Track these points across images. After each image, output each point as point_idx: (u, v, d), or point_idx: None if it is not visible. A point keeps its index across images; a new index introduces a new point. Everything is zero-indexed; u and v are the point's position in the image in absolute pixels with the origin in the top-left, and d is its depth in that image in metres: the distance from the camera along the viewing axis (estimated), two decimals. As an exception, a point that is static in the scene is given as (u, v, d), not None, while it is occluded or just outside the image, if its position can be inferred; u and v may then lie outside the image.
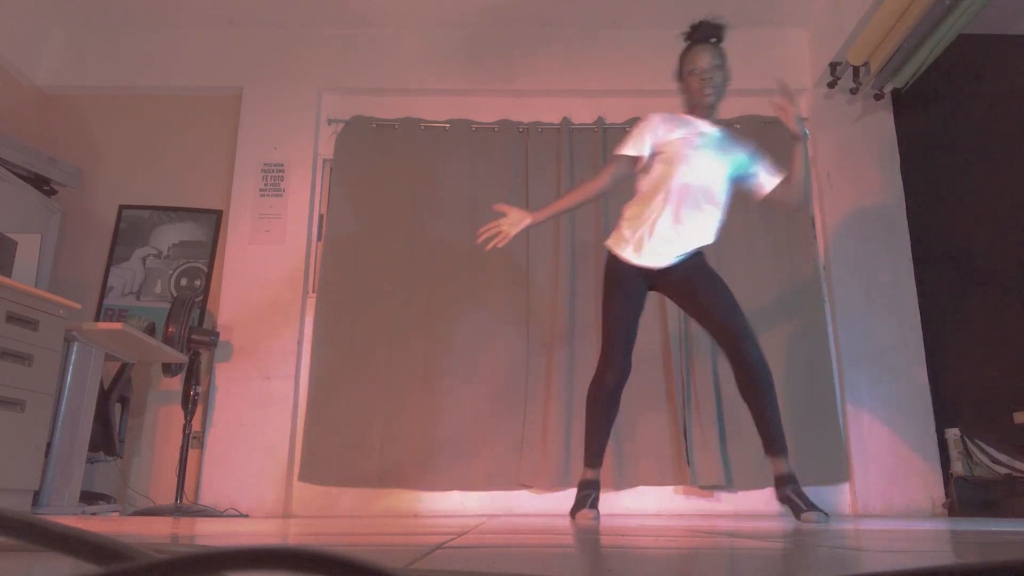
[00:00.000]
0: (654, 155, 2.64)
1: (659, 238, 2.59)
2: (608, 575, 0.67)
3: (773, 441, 2.45)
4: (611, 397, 2.64)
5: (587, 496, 2.60)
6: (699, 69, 2.60)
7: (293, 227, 4.12)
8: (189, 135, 4.36)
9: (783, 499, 2.45)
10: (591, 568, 0.74)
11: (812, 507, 2.36)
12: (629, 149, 2.65)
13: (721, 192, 2.65)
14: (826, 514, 2.34)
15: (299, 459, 3.80)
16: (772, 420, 2.44)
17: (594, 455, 2.65)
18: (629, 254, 2.63)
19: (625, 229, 2.67)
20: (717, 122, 2.71)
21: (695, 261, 2.64)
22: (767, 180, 2.71)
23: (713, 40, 2.65)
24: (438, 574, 0.60)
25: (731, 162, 2.67)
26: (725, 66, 2.66)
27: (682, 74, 2.68)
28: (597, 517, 2.56)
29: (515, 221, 2.67)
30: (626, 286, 2.64)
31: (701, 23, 2.67)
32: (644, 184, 2.69)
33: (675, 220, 2.58)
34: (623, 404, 3.79)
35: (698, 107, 2.66)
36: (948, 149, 4.30)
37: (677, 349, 3.86)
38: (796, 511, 2.39)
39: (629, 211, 2.71)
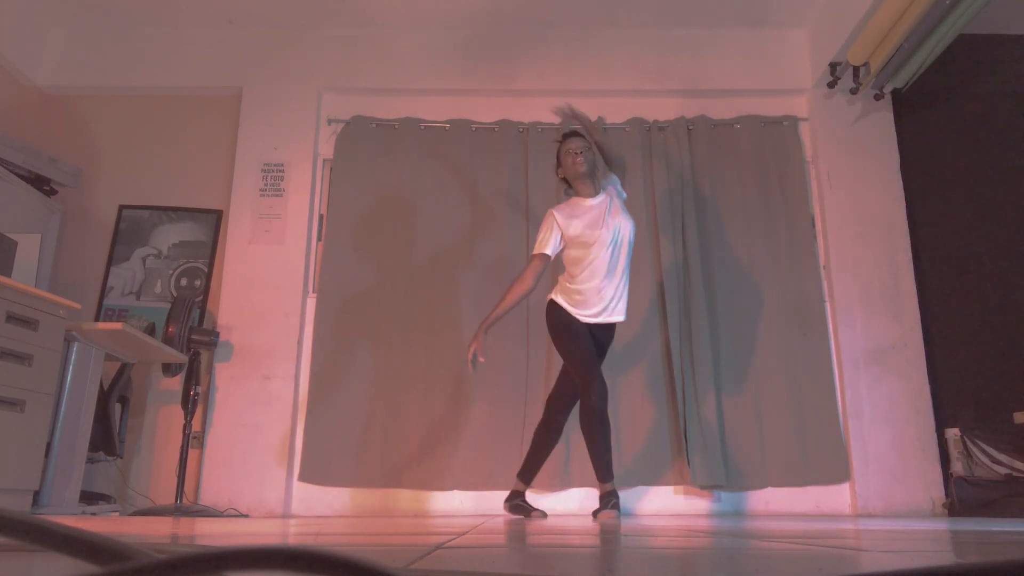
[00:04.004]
0: (566, 244, 3.09)
1: (593, 308, 3.01)
2: (608, 575, 0.67)
3: (601, 471, 2.90)
4: (602, 417, 2.90)
5: (608, 501, 2.88)
6: (568, 149, 3.11)
7: (293, 227, 4.12)
8: (189, 135, 4.36)
9: (600, 509, 2.88)
10: (591, 568, 0.74)
11: (616, 508, 2.84)
12: (546, 248, 3.08)
13: (624, 258, 3.08)
14: (619, 514, 2.83)
15: (299, 459, 3.80)
16: (602, 454, 2.89)
17: (604, 470, 2.91)
18: (576, 313, 3.03)
19: (569, 295, 3.07)
20: (598, 184, 3.16)
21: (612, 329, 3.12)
22: None
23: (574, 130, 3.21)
24: (438, 574, 0.60)
25: (622, 228, 3.08)
26: (591, 148, 3.15)
27: (560, 162, 3.18)
28: (619, 516, 2.84)
29: (477, 344, 3.12)
30: (576, 323, 3.02)
31: (566, 131, 3.27)
32: (569, 261, 3.09)
33: (598, 294, 3.01)
34: (623, 404, 3.79)
35: (578, 182, 3.13)
36: (948, 149, 4.30)
37: (677, 350, 3.86)
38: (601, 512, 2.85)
39: (565, 280, 3.11)
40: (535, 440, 3.11)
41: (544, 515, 3.06)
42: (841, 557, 0.86)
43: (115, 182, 4.27)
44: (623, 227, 3.07)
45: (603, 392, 2.91)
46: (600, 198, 3.12)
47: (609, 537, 1.34)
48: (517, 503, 3.11)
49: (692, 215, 4.08)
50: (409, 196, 4.15)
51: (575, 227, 3.04)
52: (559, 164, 3.20)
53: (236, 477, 3.74)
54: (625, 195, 3.24)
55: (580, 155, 3.07)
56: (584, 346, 2.96)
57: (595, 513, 2.90)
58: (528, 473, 3.13)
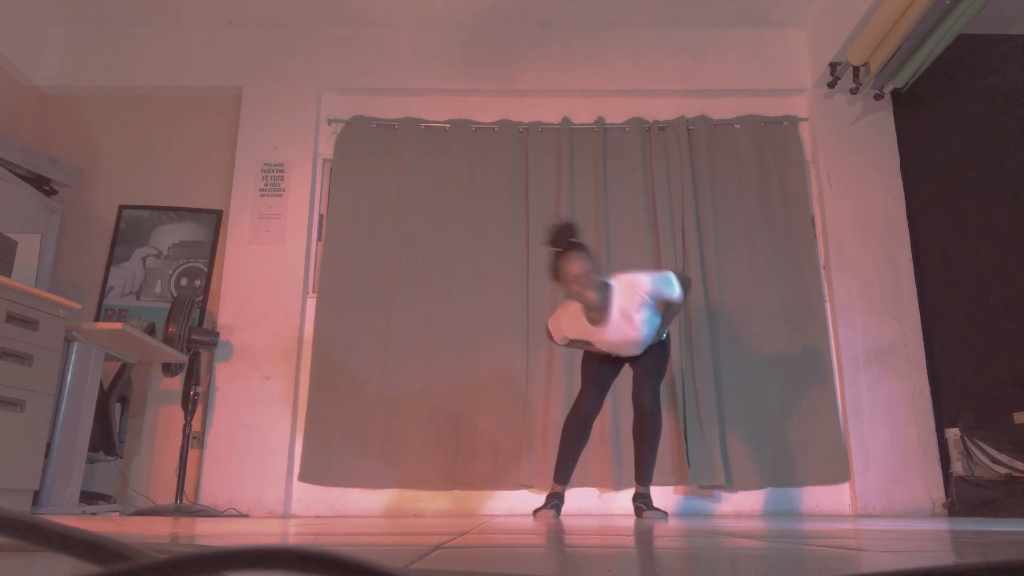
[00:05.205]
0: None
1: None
2: (608, 575, 0.67)
3: (642, 475, 2.94)
4: (583, 427, 2.94)
5: (553, 504, 2.97)
6: (573, 276, 2.63)
7: (293, 227, 4.12)
8: (189, 135, 4.36)
9: (636, 509, 2.93)
10: (591, 568, 0.74)
11: (653, 508, 2.88)
12: (556, 339, 2.98)
13: (643, 330, 2.81)
14: (664, 513, 2.87)
15: (299, 459, 3.80)
16: (648, 460, 2.93)
17: (563, 475, 2.98)
18: None
19: None
20: (608, 304, 2.75)
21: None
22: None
23: (573, 240, 2.66)
24: (438, 574, 0.60)
25: (638, 323, 2.78)
26: (595, 262, 2.69)
27: (557, 276, 2.69)
28: (557, 517, 2.89)
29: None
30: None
31: (557, 231, 2.65)
32: None
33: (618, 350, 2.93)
34: (622, 405, 3.79)
35: (589, 307, 2.76)
36: (948, 149, 4.30)
37: (678, 350, 3.86)
38: (639, 513, 2.90)
39: None
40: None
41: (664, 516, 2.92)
42: (841, 557, 0.86)
43: (115, 182, 4.27)
44: (635, 330, 2.77)
45: (586, 407, 2.93)
46: (611, 316, 2.76)
47: (609, 538, 1.34)
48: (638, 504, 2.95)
49: (692, 215, 4.08)
50: (409, 196, 4.15)
51: (577, 333, 2.87)
52: (555, 276, 2.70)
53: (236, 477, 3.74)
54: (675, 294, 2.78)
55: (588, 289, 2.64)
56: (588, 365, 3.02)
57: (535, 512, 2.95)
58: (639, 474, 2.97)
